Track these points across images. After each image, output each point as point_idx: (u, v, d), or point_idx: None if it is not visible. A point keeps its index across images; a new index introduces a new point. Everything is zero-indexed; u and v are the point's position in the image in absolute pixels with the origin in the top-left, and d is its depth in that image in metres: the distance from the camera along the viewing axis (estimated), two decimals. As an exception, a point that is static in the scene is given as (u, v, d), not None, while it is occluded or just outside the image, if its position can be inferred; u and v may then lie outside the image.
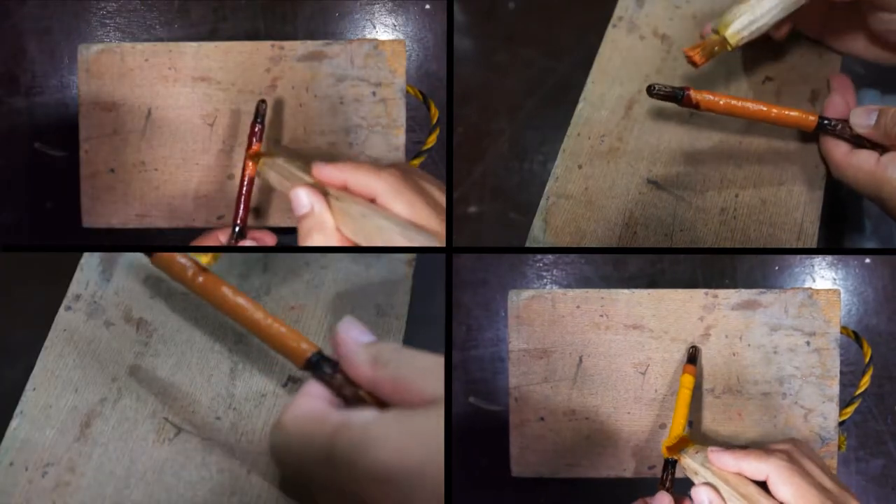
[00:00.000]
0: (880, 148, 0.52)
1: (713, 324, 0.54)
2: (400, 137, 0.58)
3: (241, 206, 0.52)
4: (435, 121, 0.60)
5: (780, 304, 0.54)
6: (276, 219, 0.58)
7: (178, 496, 0.47)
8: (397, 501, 0.37)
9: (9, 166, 0.65)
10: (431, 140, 0.59)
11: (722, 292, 0.54)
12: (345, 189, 0.44)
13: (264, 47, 0.58)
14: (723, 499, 0.45)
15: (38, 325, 0.53)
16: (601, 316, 0.55)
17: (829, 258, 0.66)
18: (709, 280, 0.66)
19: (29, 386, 0.51)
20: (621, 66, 0.60)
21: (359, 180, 0.44)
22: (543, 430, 0.55)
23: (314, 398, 0.43)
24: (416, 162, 0.59)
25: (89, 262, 0.56)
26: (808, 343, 0.54)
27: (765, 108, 0.52)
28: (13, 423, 0.49)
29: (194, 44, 0.57)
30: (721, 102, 0.52)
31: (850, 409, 0.55)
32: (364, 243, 0.43)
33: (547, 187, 0.56)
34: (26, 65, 0.66)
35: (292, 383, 0.52)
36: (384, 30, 0.69)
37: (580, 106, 0.59)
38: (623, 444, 0.55)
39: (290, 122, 0.58)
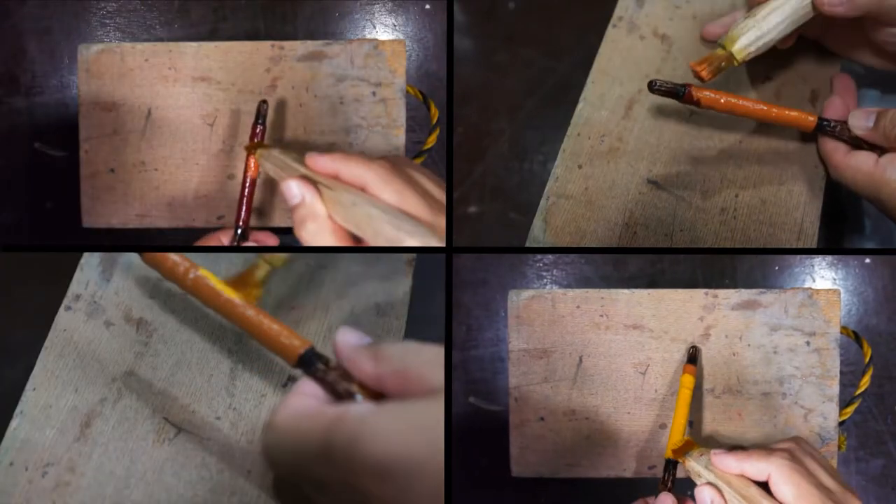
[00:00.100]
0: (879, 149, 0.52)
1: (713, 324, 0.54)
2: (400, 137, 0.58)
3: (244, 208, 0.52)
4: (435, 121, 0.60)
5: (780, 304, 0.54)
6: (278, 219, 0.58)
7: (178, 496, 0.47)
8: (396, 496, 0.36)
9: (9, 166, 0.65)
10: (431, 140, 0.59)
11: (722, 292, 0.54)
12: (336, 179, 0.45)
13: (264, 47, 0.58)
14: (725, 500, 0.45)
15: (38, 325, 0.53)
16: (601, 316, 0.55)
17: (829, 258, 0.66)
18: (709, 280, 0.66)
19: (29, 386, 0.51)
20: (621, 66, 0.60)
21: (350, 170, 0.45)
22: (543, 430, 0.55)
23: (307, 396, 0.42)
24: (416, 162, 0.59)
25: (89, 262, 0.56)
26: (808, 343, 0.54)
27: (765, 108, 0.53)
28: (13, 423, 0.49)
29: (194, 44, 0.57)
30: (722, 100, 0.52)
31: (850, 409, 0.55)
32: (354, 231, 0.43)
33: (547, 187, 0.56)
34: (26, 65, 0.66)
35: (292, 383, 0.52)
36: (384, 30, 0.69)
37: (580, 106, 0.59)
38: (623, 444, 0.55)
39: (290, 122, 0.58)
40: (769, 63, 0.59)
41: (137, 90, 0.57)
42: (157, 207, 0.57)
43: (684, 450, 0.49)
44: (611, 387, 0.55)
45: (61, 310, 0.54)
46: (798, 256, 0.66)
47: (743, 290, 0.54)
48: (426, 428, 0.37)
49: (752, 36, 0.52)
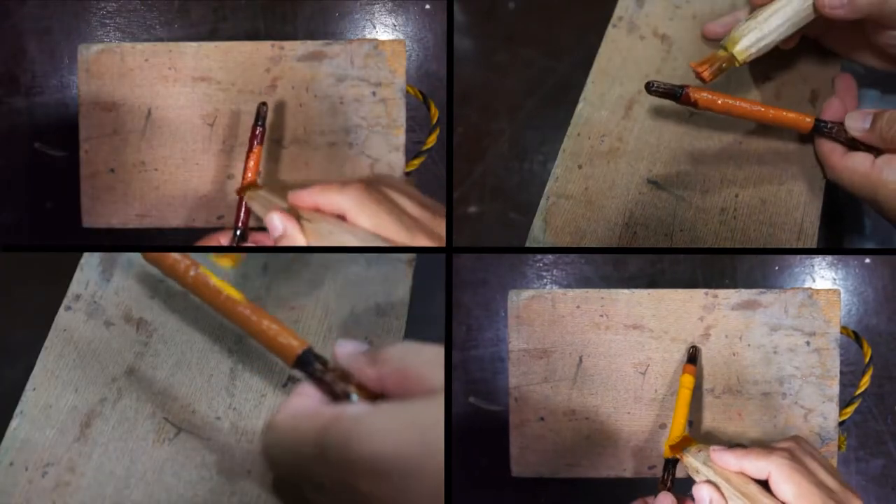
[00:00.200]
0: (875, 151, 0.52)
1: (713, 324, 0.54)
2: (400, 137, 0.58)
3: (242, 211, 0.52)
4: (435, 121, 0.60)
5: (780, 304, 0.54)
6: (276, 219, 0.58)
7: (178, 496, 0.47)
8: (393, 496, 0.36)
9: (9, 166, 0.65)
10: (431, 140, 0.59)
11: (722, 292, 0.54)
12: (317, 210, 0.47)
13: (264, 47, 0.58)
14: (724, 497, 0.45)
15: (38, 325, 0.53)
16: (601, 316, 0.55)
17: (829, 258, 0.66)
18: (709, 280, 0.66)
19: (29, 386, 0.51)
20: (621, 66, 0.60)
21: (327, 200, 0.47)
22: (543, 430, 0.55)
23: (307, 397, 0.43)
24: (416, 162, 0.59)
25: (89, 262, 0.56)
26: (808, 343, 0.54)
27: (762, 109, 0.53)
28: (13, 423, 0.49)
29: (194, 44, 0.57)
30: (719, 101, 0.52)
31: (850, 409, 0.55)
32: None
33: (547, 187, 0.56)
34: (26, 65, 0.66)
35: (292, 383, 0.52)
36: (384, 30, 0.69)
37: (580, 106, 0.59)
38: (623, 444, 0.55)
39: (290, 122, 0.58)
40: (770, 63, 0.59)
41: (137, 90, 0.57)
42: (157, 207, 0.57)
43: (682, 445, 0.49)
44: (611, 387, 0.55)
45: (61, 310, 0.54)
46: (798, 256, 0.66)
47: (743, 290, 0.54)
48: (423, 428, 0.37)
49: (754, 37, 0.53)
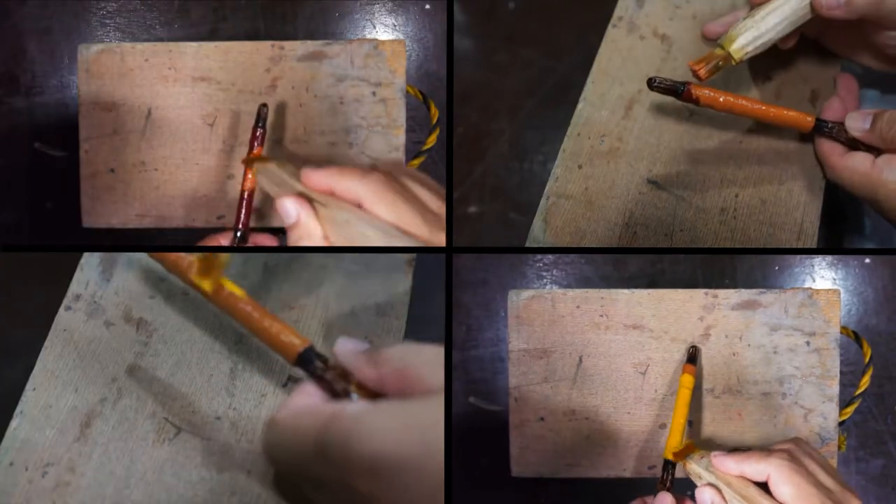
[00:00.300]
0: (875, 151, 0.52)
1: (713, 324, 0.54)
2: (400, 137, 0.58)
3: (243, 211, 0.52)
4: (435, 121, 0.60)
5: (780, 304, 0.54)
6: (277, 220, 0.58)
7: (178, 496, 0.47)
8: (391, 495, 0.36)
9: (9, 166, 0.65)
10: (431, 140, 0.59)
11: (722, 292, 0.54)
12: (332, 194, 0.45)
13: (264, 47, 0.58)
14: (725, 500, 0.45)
15: (38, 325, 0.53)
16: (601, 316, 0.55)
17: (829, 258, 0.66)
18: (709, 280, 0.66)
19: (29, 386, 0.51)
20: (621, 66, 0.60)
21: (344, 185, 0.44)
22: (543, 430, 0.55)
23: (308, 396, 0.43)
24: (416, 162, 0.59)
25: (89, 262, 0.56)
26: (808, 343, 0.54)
27: (763, 107, 0.53)
28: (13, 423, 0.49)
29: (194, 44, 0.57)
30: (721, 99, 0.52)
31: (850, 409, 0.55)
32: None
33: (547, 187, 0.56)
34: (26, 65, 0.66)
35: (292, 383, 0.52)
36: (384, 30, 0.69)
37: (580, 106, 0.59)
38: (623, 444, 0.55)
39: (290, 123, 0.58)
40: (770, 62, 0.59)
41: (137, 90, 0.57)
42: (157, 207, 0.57)
43: (685, 453, 0.49)
44: (611, 387, 0.55)
45: (61, 310, 0.54)
46: (798, 256, 0.66)
47: (743, 290, 0.54)
48: (421, 427, 0.37)
49: (750, 36, 0.53)
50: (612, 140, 0.58)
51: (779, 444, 0.49)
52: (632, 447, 0.55)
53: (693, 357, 0.53)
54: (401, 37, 0.69)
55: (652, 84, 0.52)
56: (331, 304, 0.55)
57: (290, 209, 0.45)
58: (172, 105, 0.57)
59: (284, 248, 0.55)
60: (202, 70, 0.57)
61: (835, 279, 0.66)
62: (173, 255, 0.47)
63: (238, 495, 0.47)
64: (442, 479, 0.36)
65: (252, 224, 0.53)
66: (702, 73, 0.52)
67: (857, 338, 0.57)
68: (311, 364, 0.44)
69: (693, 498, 0.48)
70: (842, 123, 0.53)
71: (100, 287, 0.55)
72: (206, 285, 0.45)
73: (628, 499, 0.50)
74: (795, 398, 0.54)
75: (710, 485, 0.46)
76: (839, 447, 0.54)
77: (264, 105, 0.53)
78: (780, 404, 0.54)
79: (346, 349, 0.43)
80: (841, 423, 0.54)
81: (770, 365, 0.54)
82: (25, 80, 0.66)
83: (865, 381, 0.56)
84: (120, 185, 0.57)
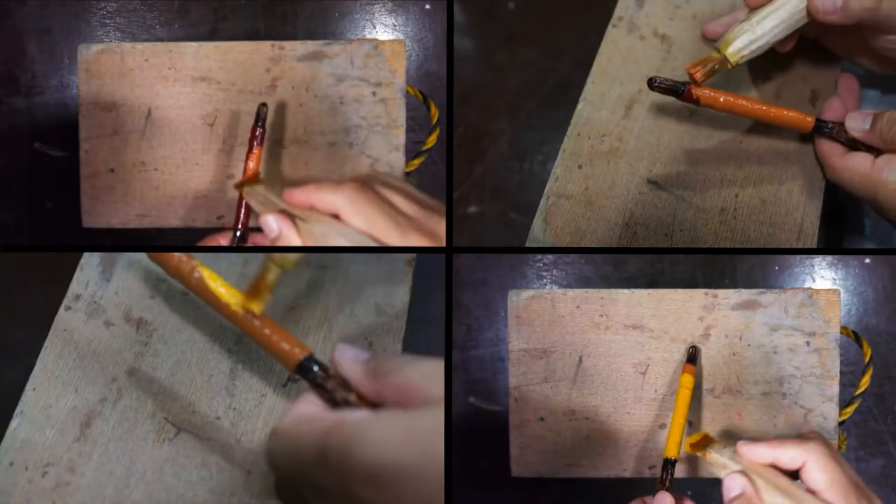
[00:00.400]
0: (875, 151, 0.52)
1: (713, 324, 0.54)
2: (400, 137, 0.58)
3: (243, 211, 0.52)
4: (435, 121, 0.60)
5: (780, 304, 0.54)
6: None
7: (178, 496, 0.47)
8: (395, 503, 0.36)
9: (9, 166, 0.65)
10: (431, 140, 0.59)
11: (722, 292, 0.54)
12: (312, 209, 0.47)
13: (264, 47, 0.58)
14: (756, 487, 0.45)
15: (38, 325, 0.53)
16: (601, 316, 0.55)
17: (829, 258, 0.66)
18: (709, 280, 0.66)
19: (29, 386, 0.51)
20: (621, 66, 0.60)
21: (321, 199, 0.47)
22: (543, 430, 0.55)
23: (310, 404, 0.43)
24: (416, 162, 0.59)
25: (89, 262, 0.56)
26: (808, 343, 0.54)
27: (763, 107, 0.53)
28: (13, 423, 0.49)
29: (194, 44, 0.57)
30: (721, 99, 0.52)
31: (850, 409, 0.55)
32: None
33: (547, 187, 0.56)
34: (26, 65, 0.66)
35: (292, 383, 0.52)
36: (384, 30, 0.69)
37: (580, 106, 0.59)
38: (623, 444, 0.55)
39: (290, 123, 0.58)
40: (769, 63, 0.59)
41: (137, 90, 0.57)
42: (157, 207, 0.57)
43: (702, 444, 0.49)
44: (611, 387, 0.55)
45: (61, 310, 0.54)
46: (798, 256, 0.66)
47: (743, 290, 0.54)
48: (422, 435, 0.37)
49: (746, 40, 0.53)
50: (612, 140, 0.58)
51: (803, 434, 0.49)
52: (632, 447, 0.55)
53: (693, 357, 0.53)
54: (401, 37, 0.69)
55: (652, 84, 0.52)
56: (330, 305, 0.55)
57: (273, 225, 0.48)
58: (172, 105, 0.57)
59: (284, 249, 0.55)
60: (202, 70, 0.57)
61: (835, 279, 0.66)
62: (174, 260, 0.47)
63: (238, 495, 0.47)
64: (442, 487, 0.36)
65: (252, 224, 0.53)
66: (698, 76, 0.52)
67: (857, 338, 0.57)
68: (310, 372, 0.44)
69: (693, 498, 0.48)
70: (842, 124, 0.53)
71: (100, 287, 0.55)
72: (256, 307, 0.45)
73: (628, 499, 0.50)
74: (795, 398, 0.54)
75: (741, 472, 0.46)
76: (839, 447, 0.54)
77: (264, 105, 0.53)
78: (779, 404, 0.54)
79: (345, 358, 0.43)
80: (841, 423, 0.54)
81: (770, 365, 0.54)
82: (25, 80, 0.66)
83: (865, 381, 0.56)
84: (120, 185, 0.57)
